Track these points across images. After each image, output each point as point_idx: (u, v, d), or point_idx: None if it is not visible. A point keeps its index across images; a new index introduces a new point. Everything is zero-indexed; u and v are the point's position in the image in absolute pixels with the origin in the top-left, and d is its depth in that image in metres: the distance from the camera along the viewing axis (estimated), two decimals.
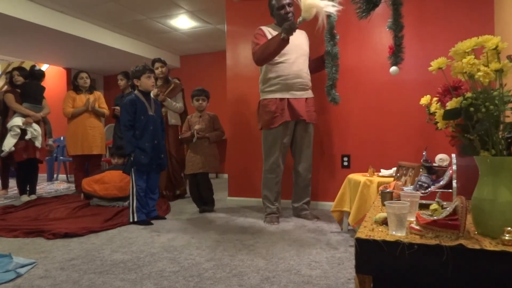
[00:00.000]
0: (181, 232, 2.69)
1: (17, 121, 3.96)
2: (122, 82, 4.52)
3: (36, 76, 4.29)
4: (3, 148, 3.88)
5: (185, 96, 4.29)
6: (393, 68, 2.44)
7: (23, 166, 4.14)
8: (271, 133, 2.93)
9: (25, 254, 2.23)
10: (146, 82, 3.03)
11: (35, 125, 4.09)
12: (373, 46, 3.29)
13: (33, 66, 4.40)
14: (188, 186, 3.60)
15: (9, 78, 4.21)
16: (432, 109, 1.42)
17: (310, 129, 3.04)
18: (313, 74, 3.09)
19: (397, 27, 2.42)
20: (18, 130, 3.95)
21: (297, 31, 3.07)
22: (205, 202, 3.47)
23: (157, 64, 4.13)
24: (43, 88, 4.33)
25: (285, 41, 2.69)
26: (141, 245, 2.39)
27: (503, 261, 0.93)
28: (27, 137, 4.00)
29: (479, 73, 1.08)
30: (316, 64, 3.08)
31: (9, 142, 3.90)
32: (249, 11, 3.68)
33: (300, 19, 2.60)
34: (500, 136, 1.09)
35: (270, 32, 2.95)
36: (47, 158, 5.01)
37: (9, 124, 3.95)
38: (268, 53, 2.80)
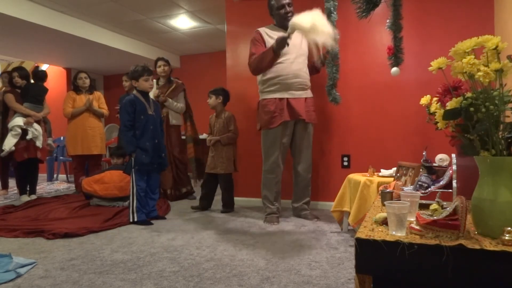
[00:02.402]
0: (181, 232, 2.69)
1: (18, 121, 3.96)
2: (127, 84, 4.51)
3: (40, 77, 4.31)
4: (3, 148, 3.89)
5: (187, 95, 4.27)
6: (394, 69, 2.44)
7: (24, 166, 4.15)
8: (270, 133, 2.93)
9: (25, 254, 2.23)
10: (144, 84, 3.05)
11: (36, 125, 4.10)
12: (373, 46, 3.28)
13: (37, 67, 4.41)
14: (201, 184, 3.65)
15: (8, 79, 4.21)
16: (432, 109, 1.42)
17: (310, 129, 3.03)
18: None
19: (396, 28, 2.42)
20: (19, 130, 3.96)
21: (296, 31, 3.07)
22: (223, 204, 3.48)
23: (159, 63, 4.13)
24: (45, 90, 4.34)
25: (277, 55, 2.72)
26: (141, 245, 2.39)
27: (503, 261, 0.93)
28: (28, 137, 4.00)
29: (479, 73, 1.08)
30: (313, 67, 3.10)
31: (10, 142, 3.90)
32: (249, 11, 3.68)
33: (289, 30, 2.56)
34: (500, 136, 1.09)
35: (267, 33, 2.94)
36: (47, 158, 5.02)
37: (10, 124, 3.95)
38: (262, 66, 2.84)
